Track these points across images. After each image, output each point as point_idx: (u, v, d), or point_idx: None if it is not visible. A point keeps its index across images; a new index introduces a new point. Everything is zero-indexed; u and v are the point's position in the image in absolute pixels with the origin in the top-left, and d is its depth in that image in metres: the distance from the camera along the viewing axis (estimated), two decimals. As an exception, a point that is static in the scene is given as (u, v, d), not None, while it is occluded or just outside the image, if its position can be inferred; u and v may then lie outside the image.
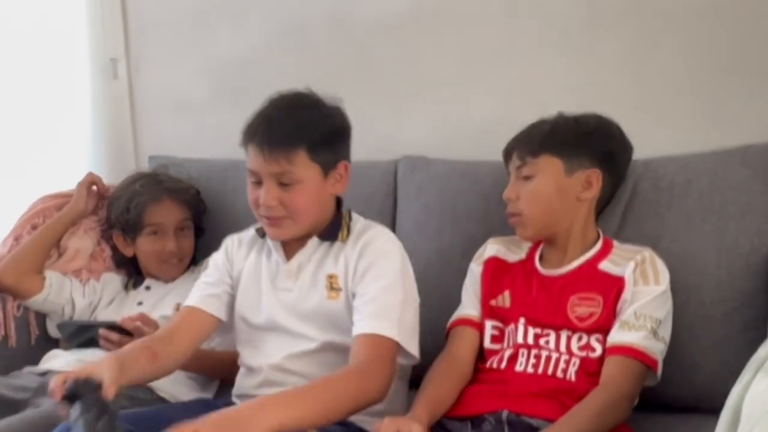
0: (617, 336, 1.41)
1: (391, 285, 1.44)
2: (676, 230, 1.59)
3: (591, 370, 1.43)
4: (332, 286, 1.48)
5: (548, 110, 1.59)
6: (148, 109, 2.34)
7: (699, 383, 1.54)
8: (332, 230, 1.51)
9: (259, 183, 1.45)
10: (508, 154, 1.61)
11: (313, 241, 1.51)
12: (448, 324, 1.61)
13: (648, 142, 1.62)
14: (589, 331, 1.45)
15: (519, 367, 1.47)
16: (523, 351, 1.48)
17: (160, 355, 1.43)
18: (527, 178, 1.53)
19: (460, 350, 1.55)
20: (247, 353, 1.56)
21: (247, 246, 1.59)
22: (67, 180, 2.15)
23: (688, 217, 1.59)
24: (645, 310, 1.42)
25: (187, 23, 2.25)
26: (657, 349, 1.41)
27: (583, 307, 1.47)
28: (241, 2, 2.19)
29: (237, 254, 1.58)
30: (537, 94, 1.94)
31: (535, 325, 1.49)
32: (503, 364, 1.49)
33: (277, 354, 1.49)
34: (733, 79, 1.80)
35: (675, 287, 1.47)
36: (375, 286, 1.43)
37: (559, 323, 1.47)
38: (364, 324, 1.40)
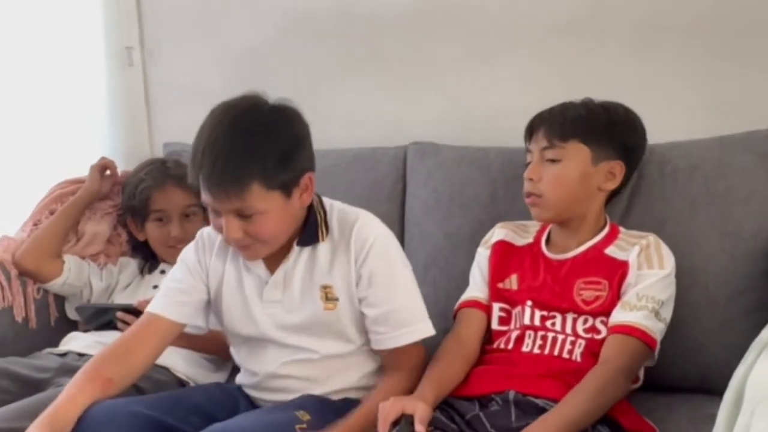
0: (618, 316, 1.42)
1: (397, 287, 1.44)
2: (680, 215, 1.59)
3: (596, 351, 1.43)
4: (327, 297, 1.43)
5: (555, 97, 1.59)
6: (163, 97, 2.34)
7: (702, 364, 1.55)
8: (310, 234, 1.43)
9: (218, 212, 1.34)
10: (532, 131, 1.56)
11: (295, 249, 1.44)
12: (456, 306, 1.61)
13: (653, 128, 1.61)
14: (595, 314, 1.46)
15: (526, 348, 1.47)
16: (529, 333, 1.48)
17: (115, 379, 1.38)
18: (552, 161, 1.51)
19: (467, 331, 1.55)
20: (243, 355, 1.54)
21: (219, 255, 1.49)
22: (84, 166, 2.15)
23: (692, 201, 1.59)
24: (647, 292, 1.42)
25: (201, 12, 2.25)
26: (657, 328, 1.41)
27: (589, 290, 1.47)
28: (252, -9, 2.20)
29: (211, 263, 1.49)
30: (544, 81, 1.94)
31: (541, 308, 1.49)
32: (510, 345, 1.50)
33: (275, 362, 1.47)
34: (736, 66, 1.80)
35: (679, 271, 1.48)
36: (384, 295, 1.42)
37: (566, 306, 1.47)
38: (389, 340, 1.43)
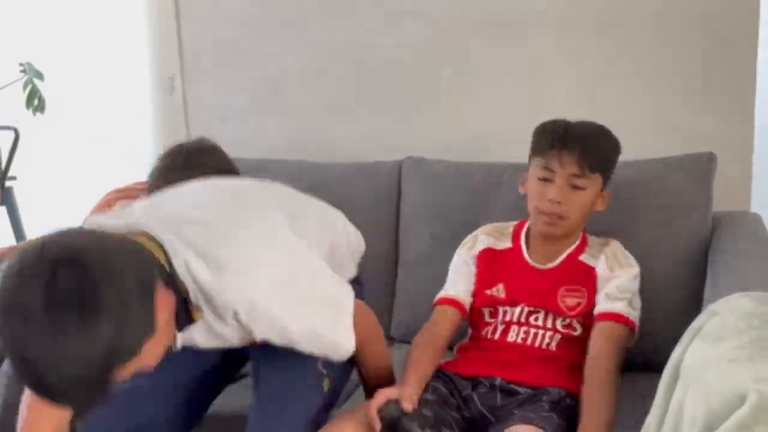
0: (603, 305, 1.40)
1: (305, 324, 1.15)
2: (631, 224, 1.60)
3: (569, 342, 1.43)
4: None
5: (526, 120, 1.58)
6: (199, 117, 2.35)
7: (648, 347, 1.54)
8: (185, 318, 1.08)
9: None
10: (562, 148, 1.39)
11: (178, 336, 1.11)
12: (435, 300, 1.55)
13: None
14: (573, 317, 1.44)
15: (510, 339, 1.45)
16: (514, 327, 1.46)
17: None
18: (578, 187, 1.40)
19: (441, 327, 1.48)
20: None
21: None
22: (133, 176, 2.16)
23: (641, 212, 1.61)
24: (625, 286, 1.41)
25: (231, 48, 2.26)
26: (634, 315, 1.41)
27: (571, 297, 1.44)
28: (276, 30, 2.19)
29: None
30: (516, 107, 1.96)
31: (530, 305, 1.46)
32: (497, 336, 1.47)
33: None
34: (676, 99, 1.82)
35: (632, 271, 1.48)
36: (308, 340, 1.17)
37: (550, 308, 1.45)
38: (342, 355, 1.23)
